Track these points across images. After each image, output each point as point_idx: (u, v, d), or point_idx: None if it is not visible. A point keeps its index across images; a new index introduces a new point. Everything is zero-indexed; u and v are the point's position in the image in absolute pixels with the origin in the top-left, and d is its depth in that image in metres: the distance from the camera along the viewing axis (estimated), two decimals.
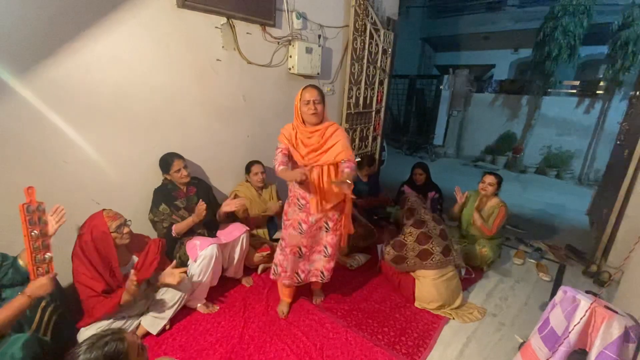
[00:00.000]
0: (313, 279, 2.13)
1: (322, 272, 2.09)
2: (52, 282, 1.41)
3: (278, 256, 2.08)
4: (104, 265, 1.70)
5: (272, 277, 2.14)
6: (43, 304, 1.53)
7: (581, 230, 3.88)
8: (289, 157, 1.92)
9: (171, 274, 1.82)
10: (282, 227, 2.09)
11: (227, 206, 2.26)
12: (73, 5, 1.70)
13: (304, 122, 1.91)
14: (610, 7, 6.27)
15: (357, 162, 3.51)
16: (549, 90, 6.78)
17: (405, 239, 2.31)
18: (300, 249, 2.01)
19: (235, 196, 2.58)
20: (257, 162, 2.65)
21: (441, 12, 9.46)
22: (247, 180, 2.69)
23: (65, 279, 1.90)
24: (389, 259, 2.38)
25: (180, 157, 2.17)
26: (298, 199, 1.95)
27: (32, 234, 1.40)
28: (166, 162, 2.14)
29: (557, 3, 6.08)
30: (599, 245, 2.93)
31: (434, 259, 2.19)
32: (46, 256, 1.44)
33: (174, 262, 1.91)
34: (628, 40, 5.28)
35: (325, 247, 2.04)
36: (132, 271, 1.68)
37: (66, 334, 1.63)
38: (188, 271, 2.04)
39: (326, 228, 2.00)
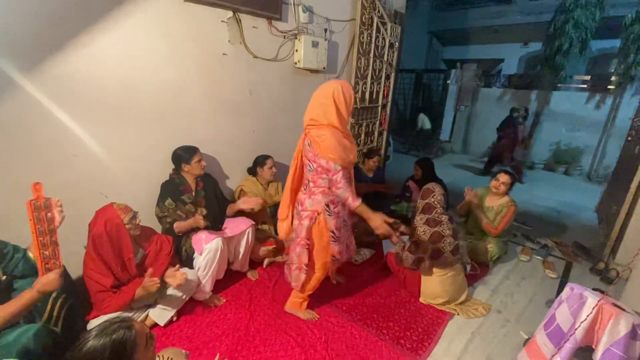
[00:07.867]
0: None
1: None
2: (61, 278, 1.41)
3: None
4: (116, 258, 1.73)
5: None
6: (54, 294, 1.55)
7: (589, 227, 3.83)
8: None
9: (173, 276, 1.84)
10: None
11: (245, 204, 2.26)
12: (80, 0, 1.71)
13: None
14: (623, 0, 6.12)
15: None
16: (559, 85, 6.66)
17: (419, 239, 2.23)
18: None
19: (241, 191, 2.59)
20: (269, 156, 2.66)
21: (449, 5, 9.30)
22: (253, 174, 2.70)
23: (76, 272, 1.94)
24: (409, 263, 2.25)
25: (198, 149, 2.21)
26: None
27: (39, 230, 1.38)
28: (187, 152, 2.17)
29: None
30: (607, 243, 2.90)
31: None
32: (54, 251, 1.42)
33: (177, 265, 1.89)
34: None
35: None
36: (150, 270, 1.70)
37: (76, 326, 1.66)
38: (194, 264, 2.07)
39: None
